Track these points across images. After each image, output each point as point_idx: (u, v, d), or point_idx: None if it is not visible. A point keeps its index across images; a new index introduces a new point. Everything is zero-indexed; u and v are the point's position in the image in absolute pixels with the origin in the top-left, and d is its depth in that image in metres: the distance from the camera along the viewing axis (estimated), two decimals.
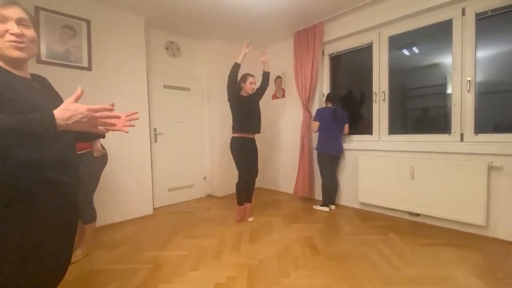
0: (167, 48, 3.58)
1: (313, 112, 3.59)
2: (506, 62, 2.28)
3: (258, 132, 2.91)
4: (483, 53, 2.37)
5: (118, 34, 2.91)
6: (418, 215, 2.67)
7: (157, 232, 2.62)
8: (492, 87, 2.37)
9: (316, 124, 3.15)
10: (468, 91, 2.39)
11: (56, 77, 2.49)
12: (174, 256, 2.08)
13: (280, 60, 4.06)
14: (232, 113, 2.84)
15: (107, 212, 2.82)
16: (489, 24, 2.34)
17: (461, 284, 1.62)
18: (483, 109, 2.38)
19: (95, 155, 2.12)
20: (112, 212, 2.87)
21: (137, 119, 1.06)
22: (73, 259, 1.99)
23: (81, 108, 0.77)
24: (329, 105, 3.14)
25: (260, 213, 3.15)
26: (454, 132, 2.49)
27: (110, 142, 2.82)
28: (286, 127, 4.06)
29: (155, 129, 3.41)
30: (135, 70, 3.05)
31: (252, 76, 2.86)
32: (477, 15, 2.35)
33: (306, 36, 3.43)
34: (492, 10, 2.28)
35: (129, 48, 3.00)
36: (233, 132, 2.82)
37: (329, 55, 3.53)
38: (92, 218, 2.15)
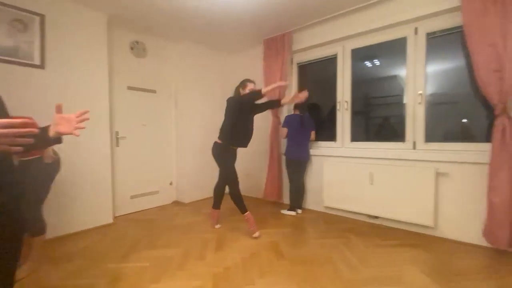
0: (132, 48, 3.42)
1: (282, 119, 3.67)
2: (452, 77, 2.55)
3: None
4: (434, 68, 2.62)
5: (77, 31, 2.72)
6: (376, 217, 2.84)
7: (117, 243, 2.47)
8: (441, 99, 2.63)
9: (284, 131, 3.22)
10: (420, 103, 2.61)
11: (3, 74, 2.28)
12: (134, 268, 1.97)
13: (251, 66, 4.10)
14: (228, 124, 2.69)
15: (62, 222, 2.60)
16: (438, 43, 2.59)
17: (412, 282, 1.75)
18: (433, 119, 2.61)
19: (45, 161, 1.95)
20: (67, 222, 2.65)
21: (87, 119, 0.97)
22: (19, 275, 1.80)
23: None
24: (297, 112, 3.23)
25: (227, 219, 3.12)
26: (408, 140, 2.70)
27: (65, 147, 2.61)
28: (255, 132, 4.08)
29: (117, 133, 3.22)
30: (96, 70, 2.86)
31: (252, 82, 2.77)
32: (427, 34, 2.59)
33: (275, 44, 3.50)
34: (440, 31, 2.52)
35: (90, 47, 2.81)
36: (223, 141, 2.69)
37: (297, 63, 3.64)
38: (41, 230, 1.97)
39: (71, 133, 0.90)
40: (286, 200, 3.63)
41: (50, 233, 2.52)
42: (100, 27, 2.89)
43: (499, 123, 2.03)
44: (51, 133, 0.92)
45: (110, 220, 3.00)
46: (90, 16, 2.81)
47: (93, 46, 2.84)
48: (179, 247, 2.35)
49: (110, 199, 3.01)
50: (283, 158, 3.54)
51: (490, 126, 2.15)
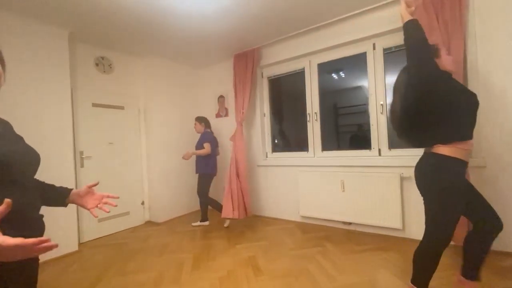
0: (97, 64, 3.30)
1: (255, 131, 3.71)
2: None
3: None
4: (393, 79, 2.81)
5: (35, 48, 2.56)
6: (350, 223, 2.93)
7: (83, 272, 2.28)
8: None
9: (209, 146, 3.36)
10: (382, 113, 2.80)
11: None
12: None
13: (222, 79, 4.13)
14: (432, 113, 1.41)
15: None
16: (394, 57, 2.81)
17: (385, 285, 1.81)
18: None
19: None
20: None
21: (115, 205, 0.96)
22: None
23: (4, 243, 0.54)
24: (208, 129, 3.56)
25: (204, 236, 3.03)
26: (373, 148, 2.86)
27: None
28: (230, 145, 4.07)
29: (81, 153, 3.04)
30: (56, 87, 2.70)
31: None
32: (384, 50, 2.81)
33: (245, 59, 3.57)
34: (396, 47, 2.75)
35: (49, 63, 2.66)
36: (445, 144, 1.38)
37: (268, 77, 3.74)
38: None
39: (89, 209, 0.93)
40: (268, 212, 3.63)
41: None
42: (60, 43, 2.75)
43: None
44: (69, 199, 0.95)
45: (75, 248, 2.77)
46: (49, 32, 2.67)
47: (53, 62, 2.69)
48: (152, 270, 2.23)
49: (75, 224, 2.79)
50: (253, 169, 3.56)
51: None
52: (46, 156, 2.58)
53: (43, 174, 2.64)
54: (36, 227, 0.82)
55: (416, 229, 2.55)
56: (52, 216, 2.57)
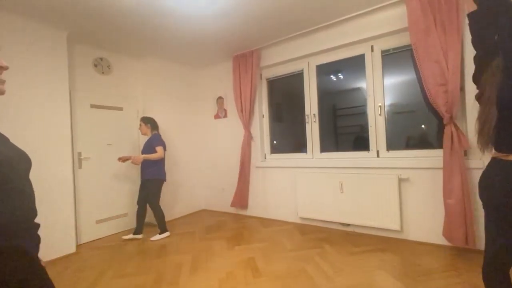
0: (95, 65, 3.29)
1: (254, 132, 3.72)
2: (407, 89, 2.79)
3: None
4: (391, 81, 2.84)
5: (33, 49, 2.56)
6: (348, 225, 2.93)
7: (81, 274, 2.27)
8: (399, 109, 2.86)
9: (162, 149, 3.06)
10: (380, 114, 2.81)
11: None
12: None
13: (221, 81, 4.13)
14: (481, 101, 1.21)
15: None
16: (392, 59, 2.83)
17: (383, 287, 1.82)
18: (394, 127, 2.82)
19: None
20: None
21: None
22: None
23: None
24: (155, 131, 3.20)
25: (203, 237, 3.03)
26: (372, 150, 2.87)
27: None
28: (230, 146, 4.08)
29: (79, 154, 3.03)
30: (54, 88, 2.70)
31: None
32: (382, 52, 2.82)
33: (245, 61, 3.58)
34: (393, 49, 2.77)
35: (47, 64, 2.65)
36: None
37: (267, 79, 3.75)
38: None
39: None
40: (266, 213, 3.63)
41: None
42: (59, 44, 2.75)
43: (448, 131, 2.24)
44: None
45: (73, 250, 2.76)
46: (48, 33, 2.66)
47: (52, 64, 2.68)
48: (151, 272, 2.22)
49: (72, 226, 2.78)
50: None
51: (440, 133, 2.38)
52: (45, 157, 2.59)
53: (41, 176, 2.65)
54: (35, 237, 0.78)
55: (414, 231, 2.56)
56: (50, 217, 2.58)
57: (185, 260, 2.43)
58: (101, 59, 3.36)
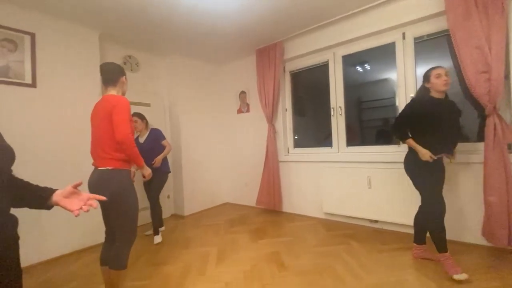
0: (125, 63, 3.43)
1: (277, 127, 3.69)
2: None
3: None
4: (424, 71, 2.65)
5: (69, 49, 2.72)
6: (376, 221, 2.83)
7: None
8: None
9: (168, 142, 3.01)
10: None
11: None
12: (133, 287, 1.92)
13: (244, 75, 4.13)
14: None
15: (52, 244, 2.54)
16: (426, 46, 2.64)
17: (414, 287, 1.73)
18: None
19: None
20: (62, 243, 2.59)
21: (95, 207, 0.90)
22: None
23: None
24: (151, 126, 3.03)
25: (227, 230, 3.08)
26: (402, 143, 2.71)
27: (62, 169, 2.58)
28: (252, 141, 4.09)
29: None
30: (89, 86, 2.86)
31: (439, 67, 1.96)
32: (415, 39, 2.64)
33: (267, 54, 3.54)
34: (428, 35, 2.58)
35: (82, 63, 2.81)
36: None
37: (290, 72, 3.68)
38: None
39: (72, 211, 0.85)
40: (290, 208, 3.61)
41: (43, 256, 2.47)
42: (92, 43, 2.90)
43: (490, 122, 2.06)
44: (52, 201, 0.88)
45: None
46: (82, 33, 2.82)
47: (85, 62, 2.84)
48: (179, 262, 2.30)
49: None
50: (278, 166, 3.56)
51: (482, 125, 2.19)
52: (83, 153, 2.75)
53: (80, 170, 2.83)
54: (5, 230, 0.77)
55: (448, 228, 2.38)
56: None
57: (211, 252, 2.49)
58: (130, 57, 3.49)
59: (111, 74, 1.75)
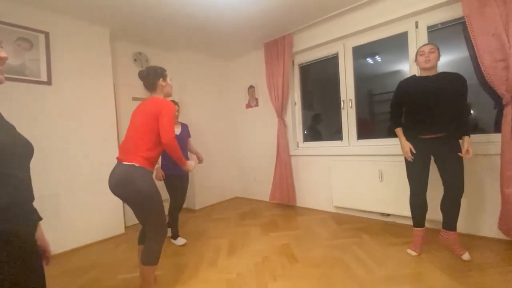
0: (135, 60, 3.48)
1: (288, 121, 3.67)
2: (456, 69, 2.50)
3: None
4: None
5: (81, 46, 2.78)
6: (388, 215, 2.80)
7: (130, 253, 2.49)
8: None
9: None
10: None
11: (11, 92, 2.34)
12: None
13: (252, 70, 4.12)
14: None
15: (72, 235, 2.63)
16: (440, 35, 2.56)
17: (429, 280, 1.72)
18: None
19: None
20: (79, 234, 2.68)
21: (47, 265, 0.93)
22: None
23: None
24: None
25: (238, 223, 3.11)
26: None
27: (75, 159, 2.66)
28: (261, 135, 4.10)
29: None
30: (101, 83, 2.92)
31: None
32: (428, 27, 2.57)
33: (276, 47, 3.52)
34: (442, 23, 2.50)
35: (94, 60, 2.87)
36: None
37: (299, 65, 3.64)
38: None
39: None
40: (300, 202, 3.62)
41: (63, 247, 2.57)
42: (103, 41, 2.96)
43: (508, 113, 1.99)
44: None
45: (122, 230, 3.03)
46: (93, 31, 2.87)
47: (97, 59, 2.90)
48: (191, 254, 2.35)
49: (121, 208, 3.04)
50: (293, 159, 3.55)
51: (499, 116, 2.12)
52: (95, 146, 2.83)
53: (93, 164, 2.90)
54: (30, 221, 0.80)
55: (463, 222, 2.35)
56: (100, 201, 2.84)
57: (222, 244, 2.53)
58: (140, 53, 3.53)
59: (146, 80, 1.78)
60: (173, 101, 2.57)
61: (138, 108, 1.77)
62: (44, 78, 2.52)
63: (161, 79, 1.78)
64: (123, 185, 1.55)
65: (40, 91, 2.49)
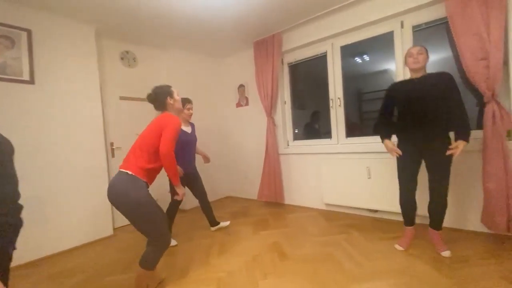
0: (122, 58, 3.42)
1: (277, 119, 3.69)
2: (441, 67, 2.56)
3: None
4: None
5: (66, 44, 2.71)
6: (376, 211, 2.86)
7: (118, 254, 2.45)
8: None
9: None
10: None
11: None
12: None
13: (242, 69, 4.12)
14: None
15: (62, 237, 2.57)
16: (424, 35, 2.62)
17: (415, 273, 1.76)
18: None
19: None
20: (67, 237, 2.62)
21: None
22: None
23: None
24: None
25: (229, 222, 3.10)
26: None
27: (60, 159, 2.60)
28: (252, 134, 4.10)
29: (111, 144, 3.20)
30: (86, 82, 2.86)
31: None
32: (413, 27, 2.62)
33: (265, 46, 3.52)
34: (426, 23, 2.56)
35: (79, 59, 2.80)
36: None
37: (288, 64, 3.66)
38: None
39: None
40: (290, 200, 3.64)
41: (50, 250, 2.51)
42: (88, 39, 2.89)
43: (489, 110, 2.06)
44: None
45: (111, 232, 2.98)
46: (78, 28, 2.80)
47: (82, 58, 2.83)
48: (182, 253, 2.34)
49: (109, 210, 2.98)
50: (281, 158, 3.57)
51: (480, 113, 2.19)
52: (80, 148, 2.77)
53: (78, 164, 2.84)
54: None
55: (448, 216, 2.41)
56: (88, 202, 2.78)
57: (214, 243, 2.52)
58: (127, 52, 3.47)
59: (155, 102, 1.90)
60: (187, 99, 2.66)
61: (151, 122, 1.84)
62: (26, 77, 2.44)
63: (168, 97, 1.87)
64: (115, 192, 1.59)
65: (23, 91, 2.42)
